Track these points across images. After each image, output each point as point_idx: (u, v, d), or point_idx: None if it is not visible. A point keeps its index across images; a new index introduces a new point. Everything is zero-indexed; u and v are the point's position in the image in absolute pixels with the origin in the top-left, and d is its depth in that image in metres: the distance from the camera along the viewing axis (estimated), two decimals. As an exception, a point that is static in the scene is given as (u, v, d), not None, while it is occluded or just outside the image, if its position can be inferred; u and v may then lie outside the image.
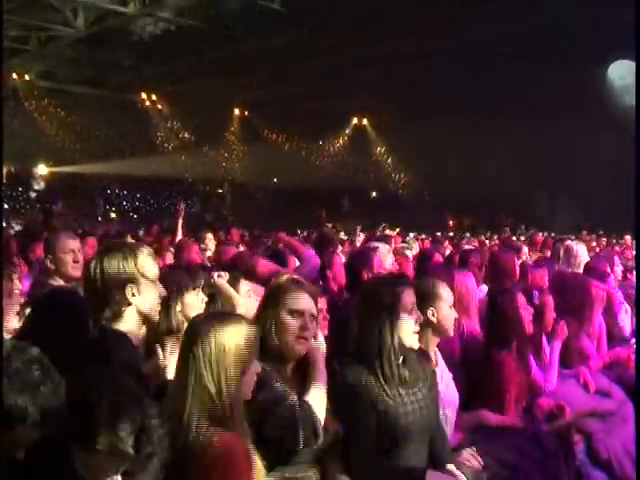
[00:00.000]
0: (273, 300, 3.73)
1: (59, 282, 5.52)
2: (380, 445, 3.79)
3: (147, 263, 3.52)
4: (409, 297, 3.97)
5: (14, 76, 28.38)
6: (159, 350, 3.70)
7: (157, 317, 3.61)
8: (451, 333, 4.83)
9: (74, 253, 5.66)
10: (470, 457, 4.23)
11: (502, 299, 5.29)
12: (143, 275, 3.47)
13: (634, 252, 12.54)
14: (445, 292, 4.81)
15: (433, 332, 4.59)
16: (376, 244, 8.18)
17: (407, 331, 3.94)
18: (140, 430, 2.47)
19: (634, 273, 9.25)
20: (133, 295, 3.42)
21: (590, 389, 5.72)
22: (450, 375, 4.70)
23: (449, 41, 22.09)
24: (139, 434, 2.46)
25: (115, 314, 3.41)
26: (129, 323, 3.43)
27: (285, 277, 3.92)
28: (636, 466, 4.67)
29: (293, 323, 3.66)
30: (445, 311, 4.68)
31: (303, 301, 3.72)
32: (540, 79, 24.38)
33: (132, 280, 3.43)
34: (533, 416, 5.15)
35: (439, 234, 22.91)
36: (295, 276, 4.14)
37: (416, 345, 4.07)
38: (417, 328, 4.02)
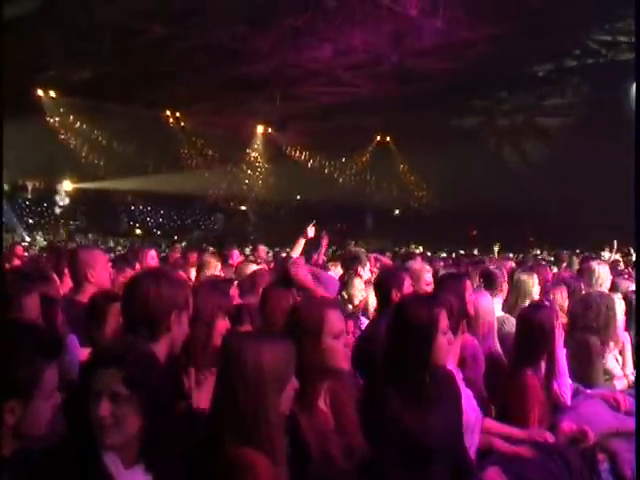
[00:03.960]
0: (312, 326, 3.54)
1: (84, 297, 5.49)
2: (405, 464, 3.78)
3: (190, 295, 3.59)
4: (445, 319, 3.95)
5: (39, 92, 28.66)
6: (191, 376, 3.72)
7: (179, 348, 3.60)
8: (472, 350, 4.83)
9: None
10: (495, 476, 4.21)
11: (540, 315, 5.24)
12: (187, 306, 3.50)
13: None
14: (470, 309, 4.80)
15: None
16: (411, 263, 8.17)
17: (440, 352, 3.92)
18: None
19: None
20: (176, 322, 3.42)
21: (620, 408, 5.65)
22: (470, 393, 4.69)
23: (469, 60, 22.19)
24: None
25: (153, 334, 3.41)
26: (163, 346, 3.42)
27: (319, 301, 3.85)
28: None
29: (338, 345, 3.57)
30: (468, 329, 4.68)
31: (342, 321, 3.65)
32: (560, 98, 24.43)
33: (179, 308, 3.45)
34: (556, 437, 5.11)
35: (462, 252, 22.86)
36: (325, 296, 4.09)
37: (446, 364, 4.06)
38: (449, 349, 4.01)
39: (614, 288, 8.09)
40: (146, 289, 3.46)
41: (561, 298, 7.11)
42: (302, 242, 8.55)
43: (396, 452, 3.77)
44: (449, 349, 4.02)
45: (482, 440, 4.72)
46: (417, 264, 7.97)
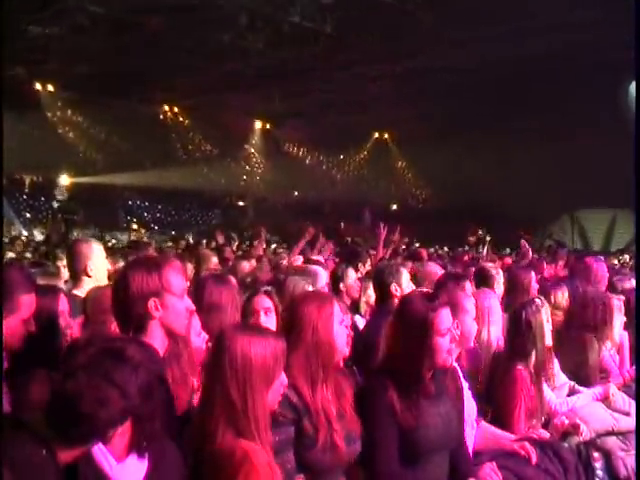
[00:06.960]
0: (325, 314, 3.70)
1: (82, 291, 5.48)
2: (403, 458, 3.80)
3: (172, 277, 3.48)
4: (444, 318, 3.95)
5: (37, 87, 28.58)
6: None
7: (183, 331, 3.57)
8: (471, 344, 4.85)
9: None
10: (490, 472, 4.23)
11: (527, 311, 5.26)
12: (168, 289, 3.43)
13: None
14: (469, 305, 4.82)
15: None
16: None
17: (440, 351, 3.92)
18: None
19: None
20: (157, 309, 3.41)
21: (615, 407, 5.64)
22: (467, 385, 4.70)
23: (469, 57, 22.18)
24: None
25: (139, 327, 3.39)
26: (153, 336, 3.40)
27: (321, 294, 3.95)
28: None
29: (342, 331, 3.74)
30: (468, 324, 4.69)
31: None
32: (558, 97, 24.41)
33: (155, 294, 3.40)
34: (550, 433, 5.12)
35: (460, 249, 22.85)
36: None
37: (449, 363, 4.05)
38: (452, 347, 3.99)
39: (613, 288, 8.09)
40: (117, 284, 3.47)
41: (562, 298, 7.08)
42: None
43: (394, 448, 3.79)
44: (451, 348, 3.99)
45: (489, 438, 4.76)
46: (434, 267, 7.87)
